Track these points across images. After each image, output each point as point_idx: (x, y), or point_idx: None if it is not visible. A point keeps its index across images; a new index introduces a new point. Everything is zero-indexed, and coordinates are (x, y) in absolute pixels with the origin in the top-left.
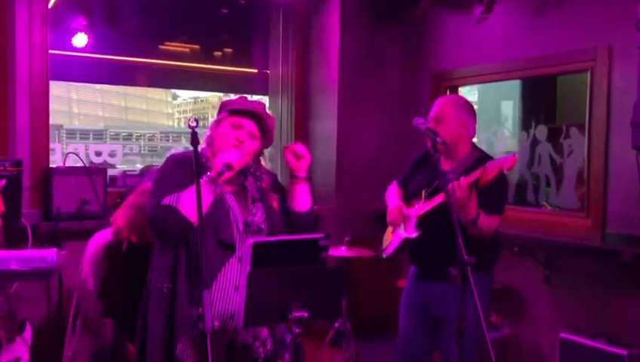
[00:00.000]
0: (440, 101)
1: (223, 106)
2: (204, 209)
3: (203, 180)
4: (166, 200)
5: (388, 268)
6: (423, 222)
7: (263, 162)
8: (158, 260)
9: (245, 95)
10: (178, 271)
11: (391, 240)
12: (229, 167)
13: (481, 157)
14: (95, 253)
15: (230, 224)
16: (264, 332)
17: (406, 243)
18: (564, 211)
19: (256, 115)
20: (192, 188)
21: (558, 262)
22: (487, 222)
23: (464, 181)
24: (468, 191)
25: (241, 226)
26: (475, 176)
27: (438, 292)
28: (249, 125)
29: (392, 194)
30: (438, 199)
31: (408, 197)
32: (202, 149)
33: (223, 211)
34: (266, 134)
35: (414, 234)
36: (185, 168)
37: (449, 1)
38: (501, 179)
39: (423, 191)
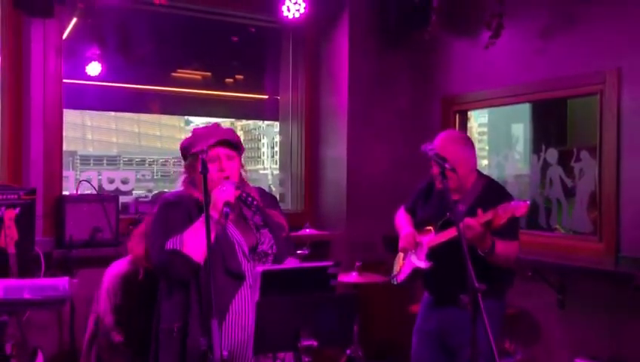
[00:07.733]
0: (438, 141)
1: (187, 150)
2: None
3: (200, 220)
4: (169, 245)
5: (400, 294)
6: (434, 252)
7: (243, 173)
8: (167, 303)
9: (214, 123)
10: (191, 308)
11: (402, 266)
12: (228, 205)
13: (489, 185)
14: (112, 284)
15: (236, 254)
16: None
17: (417, 272)
18: (577, 235)
19: (222, 141)
20: (193, 228)
21: (571, 287)
22: (504, 248)
23: (473, 222)
24: (480, 230)
25: (247, 254)
26: (487, 217)
27: (452, 320)
28: (222, 151)
29: (403, 221)
30: (451, 233)
31: (417, 225)
32: (183, 191)
33: (227, 242)
34: (237, 146)
35: (425, 266)
36: (179, 209)
37: (457, 25)
38: None
39: (435, 223)
